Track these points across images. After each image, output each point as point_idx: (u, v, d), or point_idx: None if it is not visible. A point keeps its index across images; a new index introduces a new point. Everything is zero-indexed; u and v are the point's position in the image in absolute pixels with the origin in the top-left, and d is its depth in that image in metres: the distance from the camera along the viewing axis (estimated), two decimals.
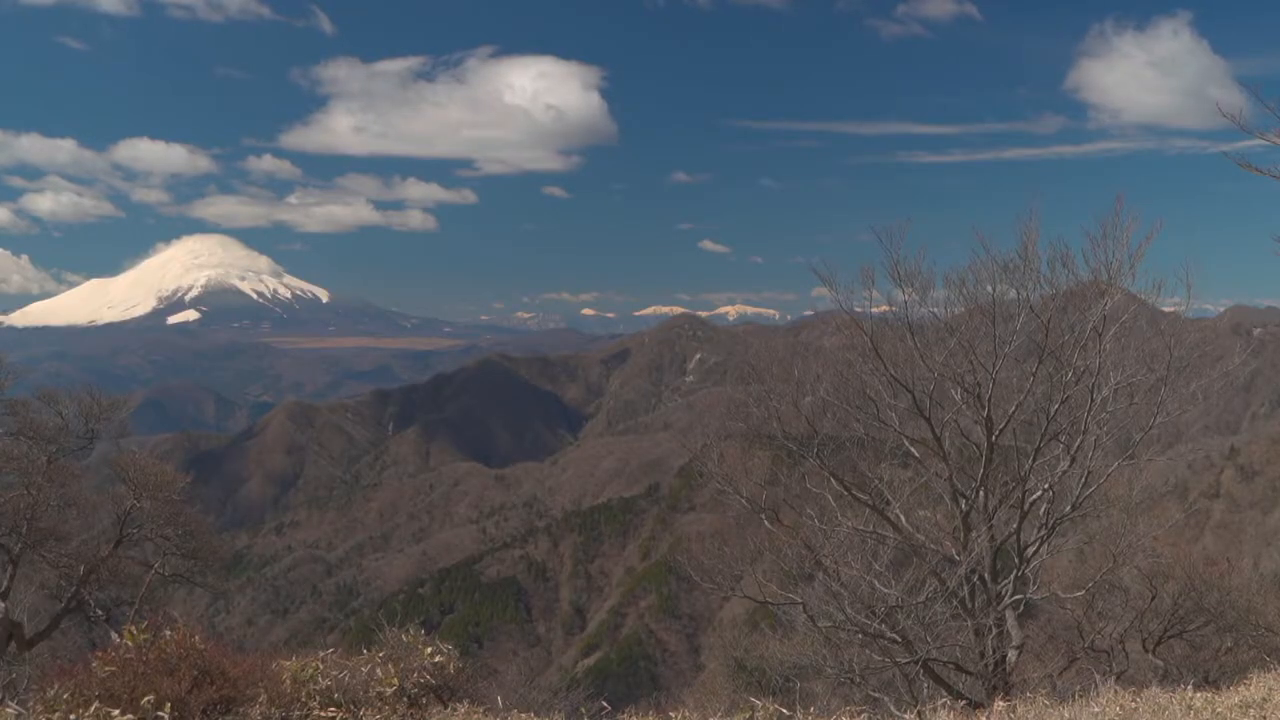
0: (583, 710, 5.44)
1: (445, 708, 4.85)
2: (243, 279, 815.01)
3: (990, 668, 10.88)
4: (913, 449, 12.16)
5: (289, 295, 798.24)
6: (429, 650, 5.12)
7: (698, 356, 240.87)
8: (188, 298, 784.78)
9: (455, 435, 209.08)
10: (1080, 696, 5.11)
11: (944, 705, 5.79)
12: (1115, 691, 5.27)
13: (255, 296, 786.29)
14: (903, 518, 11.96)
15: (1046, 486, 11.48)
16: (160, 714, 3.89)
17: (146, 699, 3.97)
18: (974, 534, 11.49)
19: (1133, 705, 4.67)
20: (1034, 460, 11.43)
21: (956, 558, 11.40)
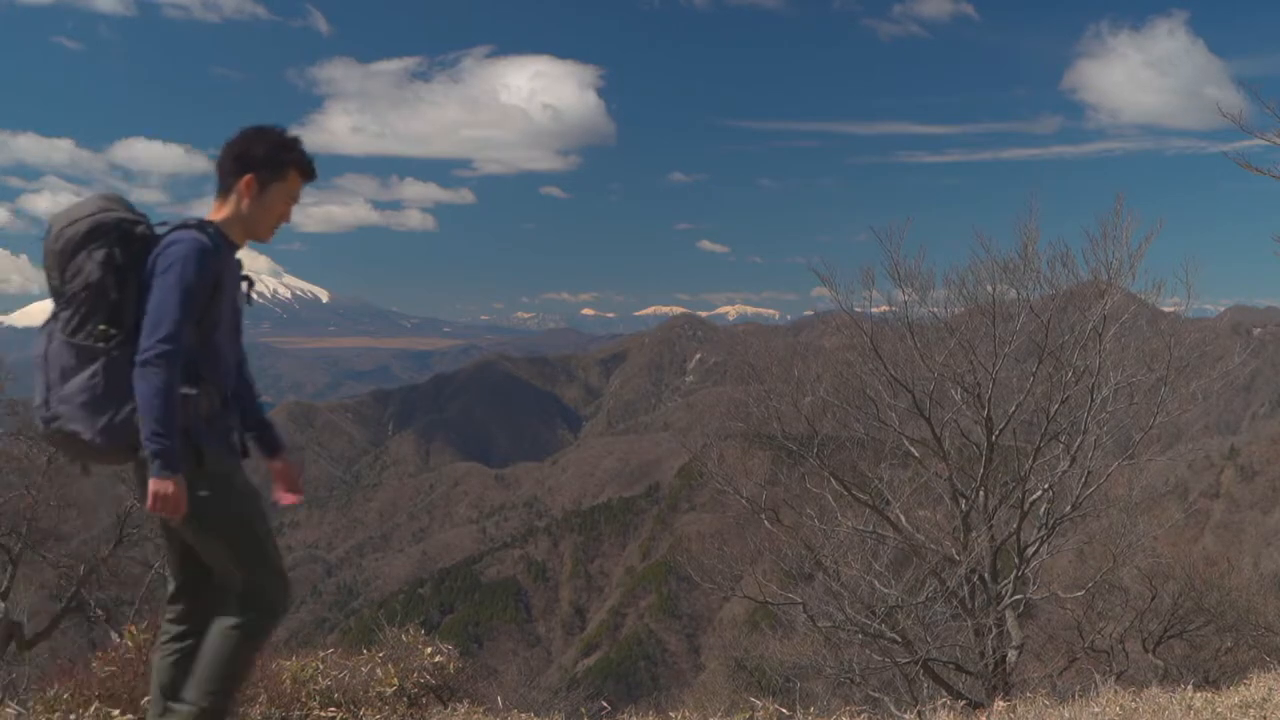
0: (583, 710, 5.44)
1: (445, 708, 4.85)
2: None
3: (990, 668, 10.88)
4: (913, 449, 12.16)
5: (289, 295, 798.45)
6: (429, 650, 5.12)
7: (697, 356, 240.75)
8: None
9: (455, 435, 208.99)
10: (1080, 696, 5.10)
11: (944, 705, 5.79)
12: (1115, 691, 5.27)
13: (254, 296, 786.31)
14: (903, 518, 11.96)
15: (1046, 486, 11.48)
16: None
17: (146, 699, 3.97)
18: (974, 534, 11.49)
19: (1133, 705, 4.67)
20: (1034, 460, 11.42)
21: (956, 558, 11.40)
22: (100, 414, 2.73)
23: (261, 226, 3.04)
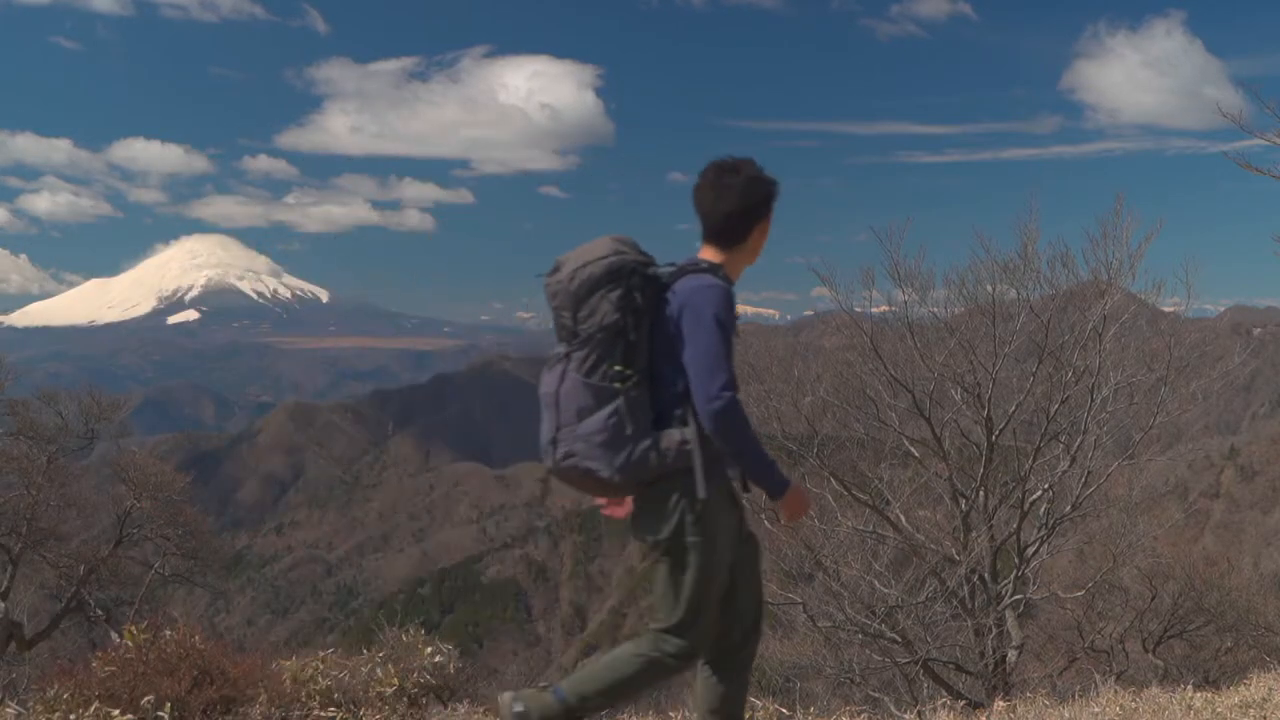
0: None
1: (445, 708, 4.85)
2: (242, 279, 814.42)
3: (990, 668, 10.88)
4: (913, 449, 12.15)
5: (289, 295, 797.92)
6: (429, 650, 5.12)
7: None
8: (187, 298, 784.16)
9: (455, 435, 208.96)
10: (1080, 696, 5.11)
11: (944, 705, 5.79)
12: (1115, 691, 5.27)
13: (255, 296, 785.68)
14: (903, 518, 11.96)
15: (1046, 486, 11.48)
16: (160, 714, 3.89)
17: (146, 699, 3.97)
18: (974, 534, 11.49)
19: (1133, 705, 4.67)
20: (1034, 460, 11.42)
21: (956, 558, 11.40)
22: (618, 452, 2.80)
23: (747, 265, 3.10)
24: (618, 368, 2.81)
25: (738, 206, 2.95)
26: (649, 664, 2.95)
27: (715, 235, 2.99)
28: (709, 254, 3.00)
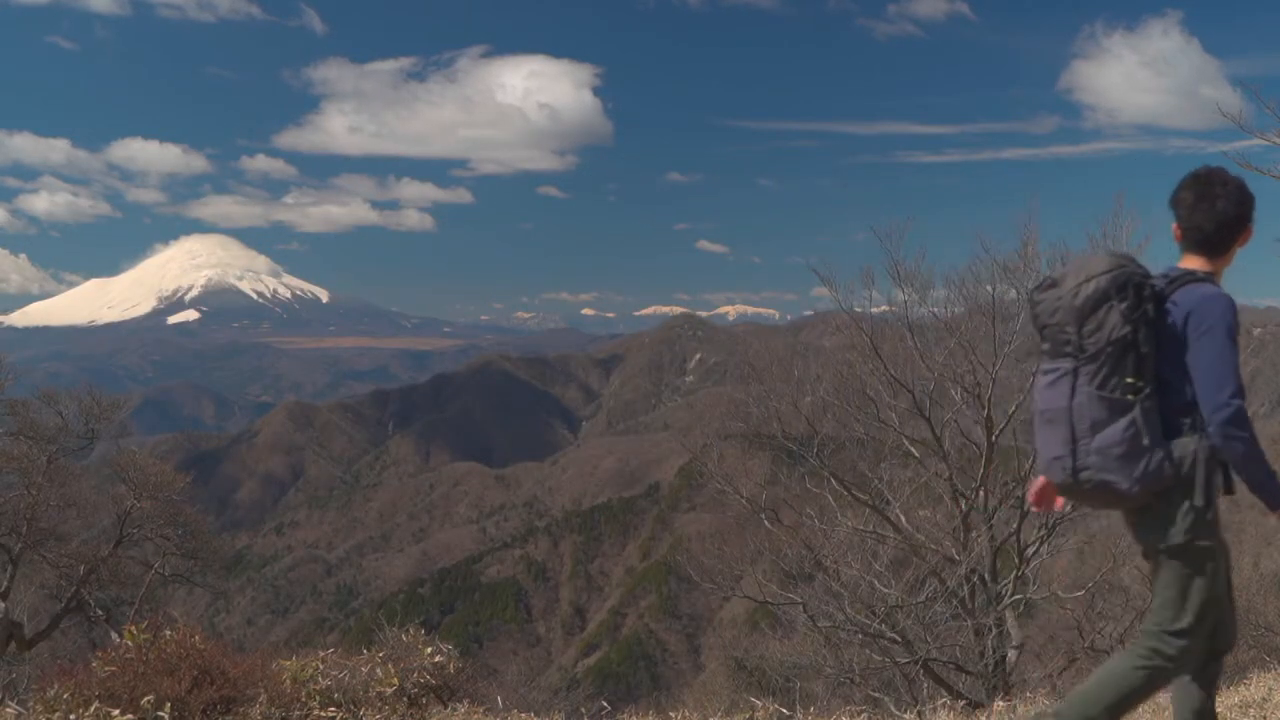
0: (583, 710, 5.44)
1: (445, 708, 4.84)
2: (241, 279, 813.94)
3: (990, 668, 10.88)
4: (913, 449, 12.16)
5: (289, 295, 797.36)
6: (429, 650, 5.11)
7: (697, 356, 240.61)
8: (188, 298, 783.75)
9: (455, 435, 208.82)
10: None
11: (944, 705, 5.79)
12: None
13: (255, 296, 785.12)
14: (903, 518, 11.96)
15: None
16: (160, 714, 3.88)
17: (146, 699, 3.96)
18: (974, 534, 11.50)
19: None
20: (1034, 460, 11.41)
21: (956, 558, 11.40)
22: (1136, 463, 2.82)
23: (1224, 270, 3.10)
24: (1129, 380, 2.83)
25: (1233, 216, 2.97)
26: (1153, 672, 2.99)
27: (1203, 244, 2.99)
28: (1195, 263, 3.00)
